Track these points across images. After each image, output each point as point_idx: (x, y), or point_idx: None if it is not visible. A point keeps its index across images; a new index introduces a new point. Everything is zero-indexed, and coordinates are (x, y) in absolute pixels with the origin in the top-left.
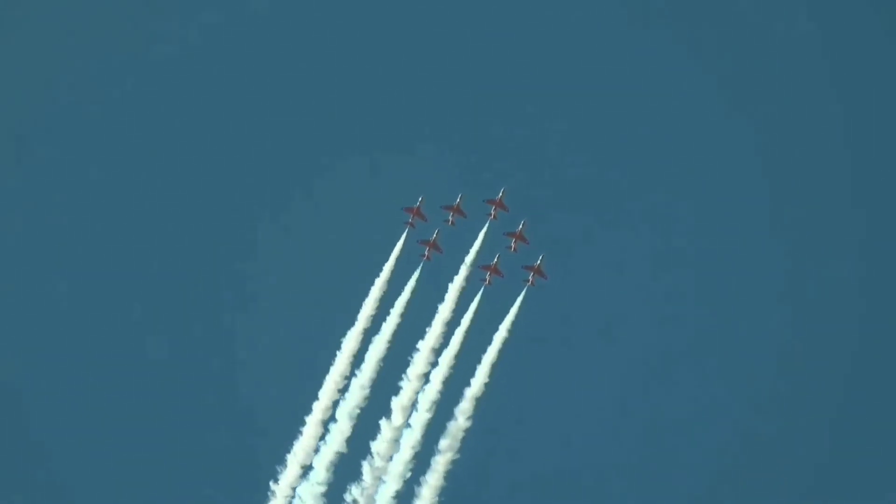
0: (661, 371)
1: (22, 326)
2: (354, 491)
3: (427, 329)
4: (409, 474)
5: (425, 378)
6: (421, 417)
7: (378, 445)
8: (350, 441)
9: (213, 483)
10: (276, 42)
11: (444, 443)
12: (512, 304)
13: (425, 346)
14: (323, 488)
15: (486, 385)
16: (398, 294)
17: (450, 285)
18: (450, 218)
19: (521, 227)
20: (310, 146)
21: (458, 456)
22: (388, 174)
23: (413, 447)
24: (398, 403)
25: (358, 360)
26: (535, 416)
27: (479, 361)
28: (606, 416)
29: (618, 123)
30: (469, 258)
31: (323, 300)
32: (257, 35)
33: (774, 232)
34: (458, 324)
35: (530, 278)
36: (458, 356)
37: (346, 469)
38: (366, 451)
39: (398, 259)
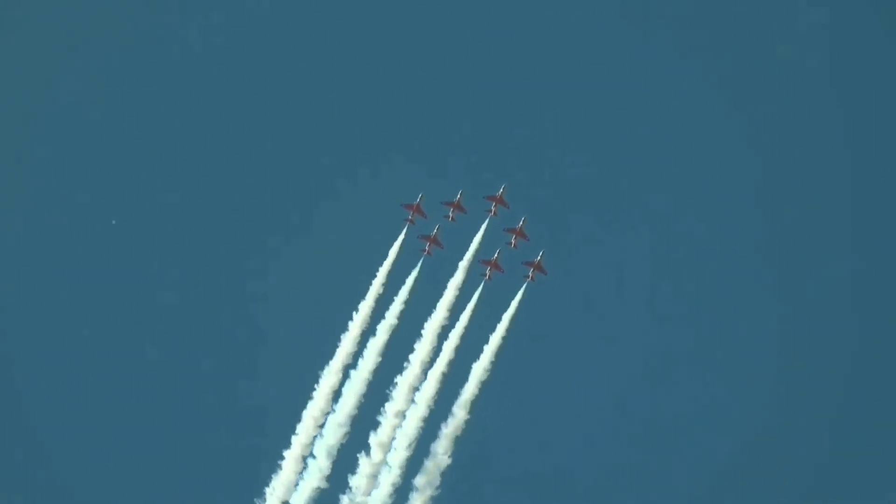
0: (660, 370)
1: (23, 327)
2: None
3: (425, 324)
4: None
5: (423, 376)
6: (419, 411)
7: (378, 437)
8: (349, 436)
9: (214, 484)
10: (276, 43)
11: (438, 445)
12: (512, 300)
13: (423, 343)
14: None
15: (484, 383)
16: (398, 289)
17: (449, 281)
18: (450, 214)
19: (521, 223)
20: (309, 146)
21: (450, 461)
22: (387, 173)
23: (409, 444)
24: (392, 408)
25: (355, 360)
26: (534, 415)
27: (476, 358)
28: (606, 416)
29: (618, 123)
30: (469, 254)
31: (323, 297)
32: (257, 39)
33: (775, 231)
34: (458, 319)
35: (530, 274)
36: (458, 350)
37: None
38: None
39: (398, 255)
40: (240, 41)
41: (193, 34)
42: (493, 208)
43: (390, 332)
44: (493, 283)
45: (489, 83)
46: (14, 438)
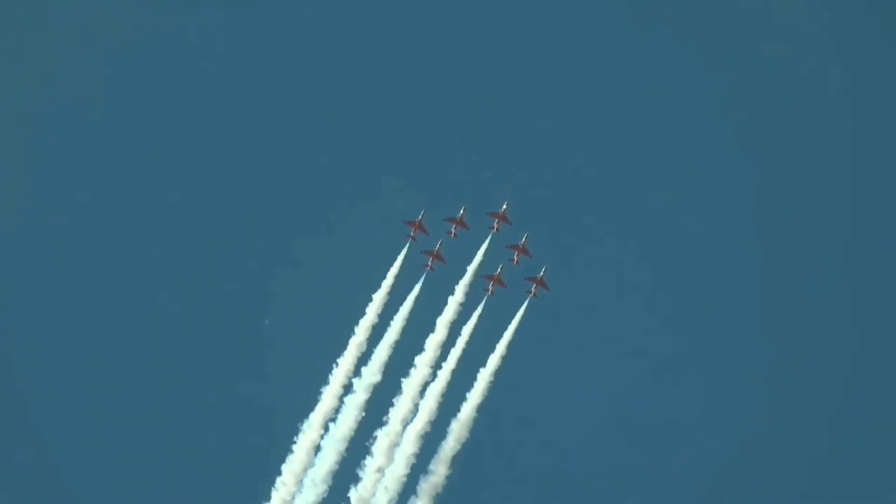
0: (660, 371)
1: (27, 327)
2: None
3: (427, 340)
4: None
5: (424, 387)
6: (427, 406)
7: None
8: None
9: (217, 484)
10: (276, 43)
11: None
12: (514, 316)
13: (424, 358)
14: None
15: (488, 391)
16: (400, 304)
17: (450, 297)
18: (452, 230)
19: (524, 240)
20: (311, 147)
21: (452, 474)
22: (389, 183)
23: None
24: (397, 413)
25: (356, 371)
26: (534, 415)
27: (478, 373)
28: (606, 416)
29: (618, 123)
30: (471, 269)
31: (327, 310)
32: (258, 39)
33: (775, 231)
34: (460, 334)
35: (533, 290)
36: (460, 362)
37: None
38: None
39: (399, 272)
40: (240, 42)
41: (194, 35)
42: (495, 225)
43: (392, 348)
44: (495, 298)
45: (489, 83)
46: (17, 438)
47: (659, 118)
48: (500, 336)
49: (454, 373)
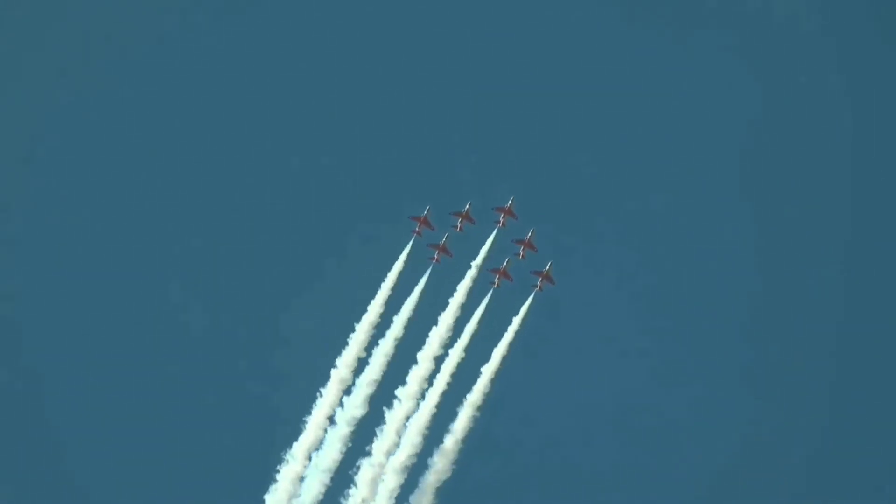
0: (661, 371)
1: (38, 328)
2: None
3: (431, 332)
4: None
5: (429, 381)
6: (431, 399)
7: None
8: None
9: (224, 484)
10: (278, 43)
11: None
12: (520, 309)
13: (427, 351)
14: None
15: (490, 388)
16: (405, 298)
17: (458, 287)
18: (458, 224)
19: (529, 234)
20: (311, 147)
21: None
22: (392, 156)
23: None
24: (404, 392)
25: (361, 366)
26: (534, 415)
27: (481, 370)
28: (606, 416)
29: (618, 123)
30: (477, 262)
31: (331, 305)
32: (260, 40)
33: (776, 231)
34: (465, 326)
35: (539, 283)
36: (463, 359)
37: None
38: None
39: (404, 267)
40: (240, 42)
41: (194, 35)
42: (501, 219)
43: (396, 341)
44: (500, 290)
45: (489, 84)
46: (30, 439)
47: (659, 118)
48: (506, 329)
49: (460, 365)
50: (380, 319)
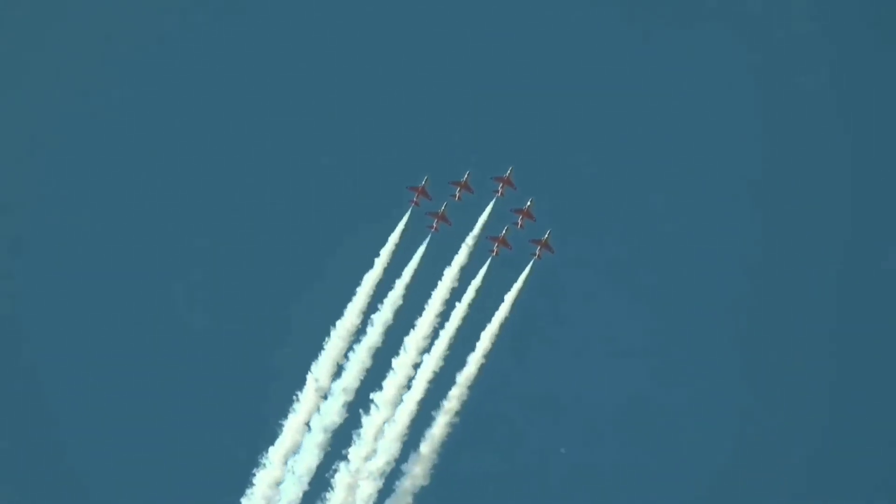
0: (661, 370)
1: (35, 329)
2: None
3: (428, 300)
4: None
5: (426, 350)
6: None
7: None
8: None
9: (225, 483)
10: (277, 44)
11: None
12: (517, 278)
13: (426, 318)
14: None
15: (488, 353)
16: (403, 266)
17: (455, 256)
18: (457, 193)
19: (528, 204)
20: (309, 145)
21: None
22: (392, 156)
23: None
24: (392, 383)
25: (356, 340)
26: (534, 415)
27: (479, 337)
28: (606, 416)
29: (618, 123)
30: (475, 231)
31: (329, 276)
32: (260, 41)
33: (777, 230)
34: (464, 293)
35: (538, 252)
36: (461, 328)
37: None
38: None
39: (402, 236)
40: (240, 43)
41: (194, 35)
42: (500, 189)
43: (395, 309)
44: (498, 259)
45: (489, 84)
46: (31, 438)
47: (659, 118)
48: (503, 298)
49: (459, 329)
50: (379, 285)
